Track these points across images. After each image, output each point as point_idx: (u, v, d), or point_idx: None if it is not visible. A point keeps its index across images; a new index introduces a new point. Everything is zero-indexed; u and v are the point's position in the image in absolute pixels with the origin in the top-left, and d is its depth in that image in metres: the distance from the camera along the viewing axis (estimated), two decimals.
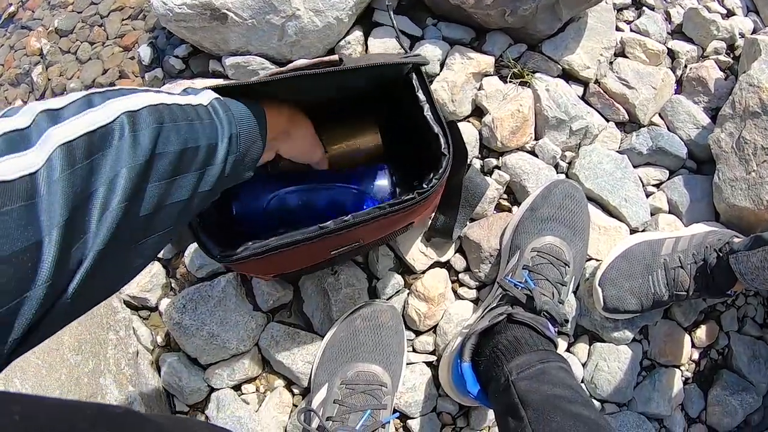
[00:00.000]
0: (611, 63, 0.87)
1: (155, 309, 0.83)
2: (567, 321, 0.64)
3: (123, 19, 1.05)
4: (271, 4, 0.79)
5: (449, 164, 0.52)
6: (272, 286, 0.76)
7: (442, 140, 0.53)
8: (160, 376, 0.79)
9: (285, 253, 0.52)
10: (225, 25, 0.83)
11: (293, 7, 0.79)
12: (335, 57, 0.48)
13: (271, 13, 0.80)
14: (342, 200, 0.61)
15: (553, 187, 0.72)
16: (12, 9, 1.22)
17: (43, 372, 0.69)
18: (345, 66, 0.46)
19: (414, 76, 0.54)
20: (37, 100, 1.07)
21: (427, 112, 0.53)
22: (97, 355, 0.75)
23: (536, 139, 0.80)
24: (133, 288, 0.82)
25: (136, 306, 0.84)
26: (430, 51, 0.81)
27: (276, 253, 0.51)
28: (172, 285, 0.84)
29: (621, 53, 0.90)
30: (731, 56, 0.96)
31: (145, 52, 0.96)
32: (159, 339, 0.82)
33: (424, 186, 0.51)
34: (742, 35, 0.98)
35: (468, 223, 0.76)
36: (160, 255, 0.85)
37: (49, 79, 1.07)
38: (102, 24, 1.06)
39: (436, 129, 0.53)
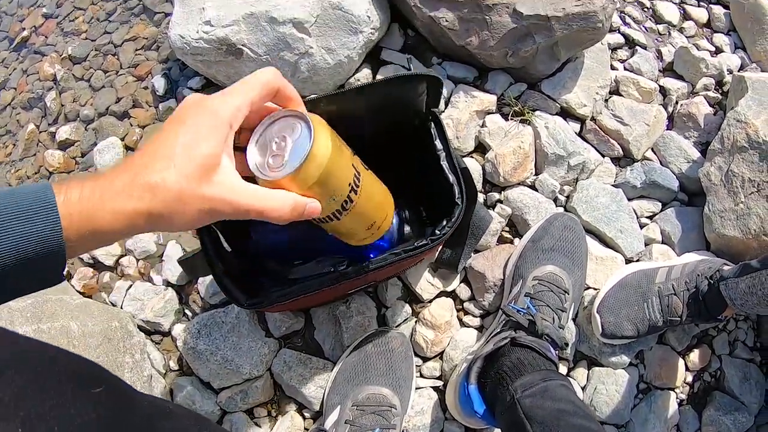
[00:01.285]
0: (606, 101, 0.98)
1: (168, 334, 0.91)
2: (567, 344, 0.73)
3: (136, 49, 1.14)
4: (285, 41, 0.89)
5: (462, 213, 0.61)
6: (284, 315, 0.85)
7: (456, 189, 0.61)
8: (173, 399, 0.86)
9: (304, 298, 0.61)
10: (240, 60, 0.92)
11: (306, 45, 0.89)
12: None
13: (285, 50, 0.90)
14: None
15: (553, 219, 0.82)
16: (25, 34, 1.32)
17: None
18: (362, 84, 0.55)
19: (432, 125, 0.63)
20: (50, 124, 1.16)
21: (444, 161, 0.62)
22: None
23: (536, 174, 0.90)
24: (147, 313, 0.91)
25: (149, 330, 0.92)
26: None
27: (296, 299, 0.60)
28: (185, 311, 0.92)
29: (615, 91, 1.01)
30: (720, 92, 1.07)
31: (159, 83, 1.05)
32: (172, 363, 0.90)
33: (437, 232, 0.60)
34: (730, 71, 1.09)
35: (472, 254, 0.85)
36: (173, 281, 0.93)
37: (62, 105, 1.16)
38: (116, 53, 1.16)
39: (452, 178, 0.61)
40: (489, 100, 0.91)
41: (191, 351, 0.84)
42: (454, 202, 0.62)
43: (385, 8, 0.95)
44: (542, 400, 0.61)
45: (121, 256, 0.98)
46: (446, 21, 0.90)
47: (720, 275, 0.77)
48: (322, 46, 0.89)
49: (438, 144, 0.63)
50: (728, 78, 1.08)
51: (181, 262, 0.83)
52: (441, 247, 0.80)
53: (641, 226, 0.92)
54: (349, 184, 0.46)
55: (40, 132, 1.16)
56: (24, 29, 1.34)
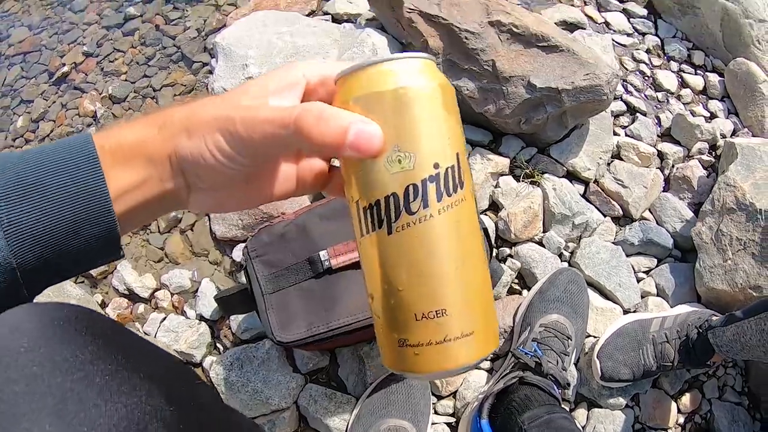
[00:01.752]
0: (609, 165, 1.11)
1: (199, 365, 1.02)
2: (569, 385, 0.85)
3: (175, 95, 1.27)
4: None
5: None
6: (312, 353, 0.96)
7: None
8: None
9: (336, 340, 0.73)
10: None
11: None
12: None
13: None
14: None
15: (559, 273, 0.94)
16: (65, 69, 1.44)
17: None
18: None
19: None
20: None
21: None
22: None
23: (544, 231, 1.02)
24: (181, 344, 1.02)
25: (183, 361, 1.02)
26: None
27: (330, 341, 0.72)
28: (217, 345, 1.03)
29: (617, 156, 1.14)
30: (713, 155, 1.20)
31: None
32: None
33: None
34: (724, 136, 1.22)
35: None
36: (207, 316, 1.04)
37: None
38: (154, 97, 1.29)
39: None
40: (503, 162, 1.04)
41: (224, 381, 0.95)
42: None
43: None
44: (547, 430, 0.73)
45: (156, 289, 1.10)
46: (467, 90, 1.03)
47: (708, 325, 0.89)
48: None
49: None
50: (721, 142, 1.21)
51: (217, 299, 0.95)
52: None
53: (638, 280, 1.04)
54: (437, 165, 0.29)
55: None
56: (64, 65, 1.46)
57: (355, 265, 0.75)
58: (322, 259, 0.74)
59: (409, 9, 1.05)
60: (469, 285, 0.30)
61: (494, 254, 1.01)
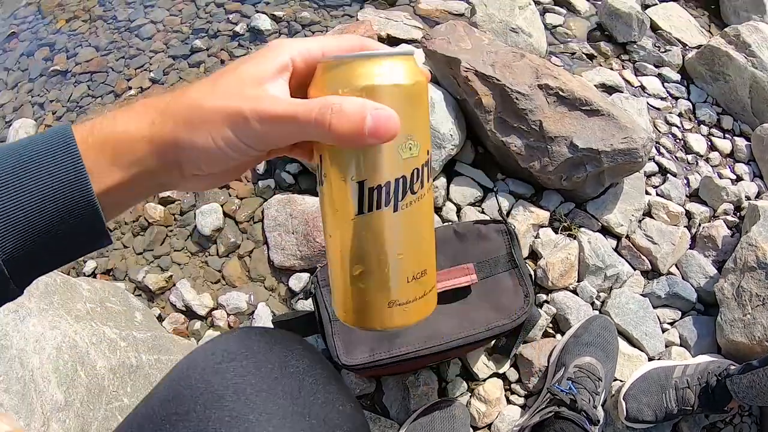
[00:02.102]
0: (640, 222, 1.23)
1: None
2: (599, 421, 0.95)
3: None
4: None
5: (529, 310, 0.85)
6: (360, 379, 1.06)
7: (523, 300, 0.85)
8: None
9: (391, 368, 0.83)
10: None
11: None
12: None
13: None
14: None
15: (593, 320, 1.05)
16: (132, 93, 1.58)
17: None
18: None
19: (513, 247, 0.88)
20: None
21: (516, 272, 0.86)
22: None
23: (578, 281, 1.13)
24: None
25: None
26: (500, 202, 1.16)
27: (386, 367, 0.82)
28: None
29: (648, 213, 1.25)
30: (737, 216, 1.31)
31: (260, 163, 1.30)
32: None
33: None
34: (748, 198, 1.34)
35: (522, 344, 1.07)
36: None
37: None
38: None
39: (524, 292, 0.85)
40: (543, 215, 1.16)
41: None
42: (523, 302, 0.86)
43: (463, 128, 1.21)
44: None
45: (214, 309, 1.21)
46: (515, 147, 1.16)
47: (727, 373, 1.00)
48: None
49: (514, 252, 0.88)
50: (746, 204, 1.32)
51: (276, 323, 1.06)
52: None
53: (663, 330, 1.15)
54: (428, 152, 0.34)
55: None
56: (131, 88, 1.60)
57: None
58: None
59: (466, 68, 1.18)
60: (434, 248, 0.38)
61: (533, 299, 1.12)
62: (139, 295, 1.26)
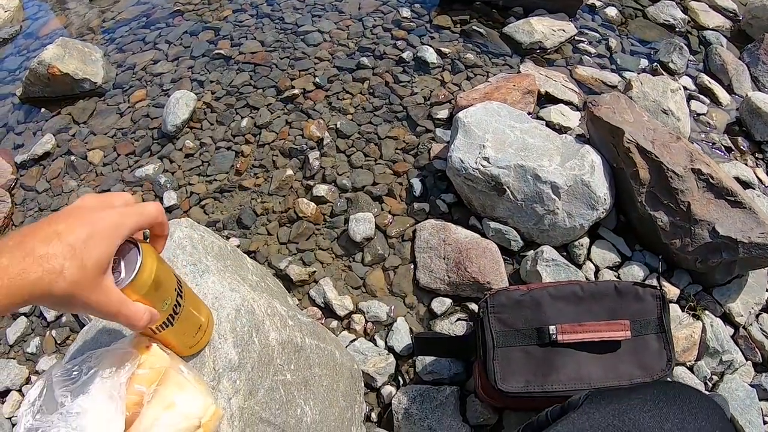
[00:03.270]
0: (758, 316, 1.37)
1: (376, 390, 1.25)
2: None
3: (396, 148, 1.59)
4: (541, 197, 1.32)
5: (670, 373, 1.00)
6: (486, 408, 1.20)
7: (666, 364, 1.01)
8: None
9: (540, 400, 0.99)
10: (500, 198, 1.35)
11: (556, 205, 1.31)
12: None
13: (538, 203, 1.32)
14: None
15: (711, 397, 1.20)
16: (295, 92, 1.79)
17: (326, 403, 1.05)
18: None
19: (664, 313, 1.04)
20: (305, 177, 1.60)
21: (663, 336, 1.03)
22: (352, 407, 1.19)
23: (697, 359, 1.28)
24: (368, 367, 1.24)
25: (365, 382, 1.26)
26: (635, 271, 1.32)
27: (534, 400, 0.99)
28: (397, 377, 1.26)
29: (766, 309, 1.39)
30: None
31: (417, 185, 1.49)
32: (373, 415, 1.23)
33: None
34: None
35: None
36: (397, 350, 1.28)
37: (323, 167, 1.60)
38: (378, 144, 1.61)
39: (667, 356, 1.02)
40: (673, 291, 1.31)
41: (404, 411, 1.18)
42: (665, 365, 1.02)
43: (613, 194, 1.38)
44: None
45: (353, 312, 1.35)
46: (661, 222, 1.32)
47: None
48: (566, 210, 1.32)
49: (664, 318, 1.04)
50: None
51: (418, 338, 1.23)
52: None
53: (764, 422, 1.28)
54: (175, 289, 0.59)
55: (295, 180, 1.61)
56: (294, 87, 1.82)
57: (576, 345, 1.03)
58: (551, 332, 1.02)
59: (629, 140, 1.35)
60: (201, 314, 0.69)
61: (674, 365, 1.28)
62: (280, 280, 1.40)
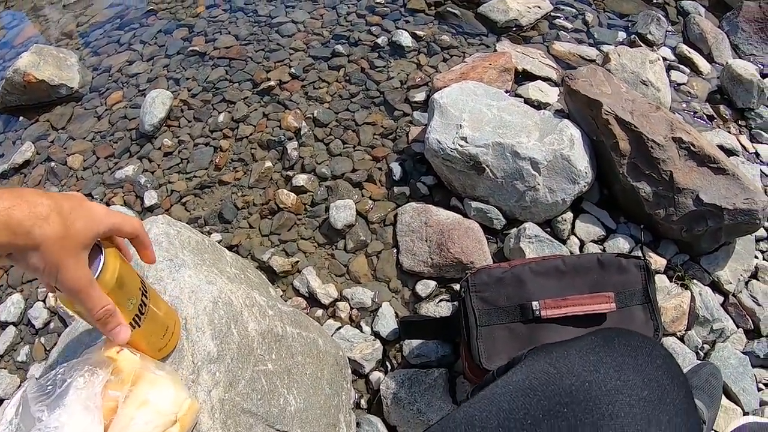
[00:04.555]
0: (747, 283, 1.33)
1: (364, 377, 1.22)
2: None
3: (375, 134, 1.56)
4: (521, 173, 1.28)
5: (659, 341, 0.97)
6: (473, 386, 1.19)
7: (653, 333, 0.98)
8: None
9: None
10: (479, 177, 1.32)
11: (536, 181, 1.28)
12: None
13: (518, 180, 1.29)
14: None
15: (703, 365, 1.16)
16: (271, 83, 1.75)
17: (311, 391, 1.03)
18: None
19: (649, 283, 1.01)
20: (285, 168, 1.56)
21: (649, 306, 0.99)
22: (339, 394, 1.16)
23: (687, 329, 1.25)
24: (355, 353, 1.22)
25: (351, 369, 1.24)
26: (621, 244, 1.29)
27: None
28: (385, 362, 1.24)
29: (755, 276, 1.36)
30: None
31: (396, 169, 1.46)
32: (362, 402, 1.20)
33: None
34: None
35: None
36: (383, 335, 1.25)
37: (301, 157, 1.57)
38: (356, 130, 1.58)
39: (654, 326, 0.98)
40: (660, 261, 1.28)
41: (392, 395, 1.15)
42: (653, 335, 0.98)
43: (594, 168, 1.34)
44: None
45: (337, 300, 1.32)
46: (644, 192, 1.29)
47: None
48: (547, 185, 1.28)
49: (649, 288, 1.00)
50: None
51: (403, 322, 1.20)
52: None
53: (758, 389, 1.25)
54: (140, 289, 0.61)
55: (275, 172, 1.58)
56: (270, 79, 1.78)
57: (560, 320, 0.99)
58: (534, 308, 0.98)
59: (607, 111, 1.32)
60: (168, 317, 0.69)
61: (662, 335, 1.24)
62: (261, 271, 1.38)
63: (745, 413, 1.22)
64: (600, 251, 1.31)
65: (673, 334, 1.24)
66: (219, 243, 1.42)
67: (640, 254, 1.05)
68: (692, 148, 1.30)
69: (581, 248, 1.32)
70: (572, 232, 1.33)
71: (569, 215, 1.34)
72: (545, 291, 1.02)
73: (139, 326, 0.61)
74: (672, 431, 0.50)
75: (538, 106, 1.55)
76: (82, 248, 0.50)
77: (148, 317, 0.62)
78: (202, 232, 1.41)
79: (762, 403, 1.24)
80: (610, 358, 0.56)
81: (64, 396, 0.56)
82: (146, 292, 0.62)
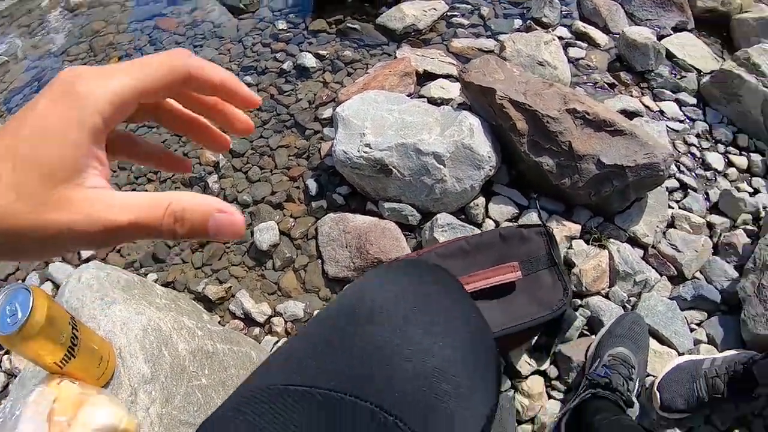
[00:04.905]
0: (664, 232, 1.38)
1: None
2: (633, 403, 1.07)
3: (289, 155, 1.59)
4: (426, 168, 1.32)
5: (569, 303, 1.00)
6: None
7: (562, 293, 1.01)
8: None
9: None
10: (388, 178, 1.35)
11: (442, 173, 1.32)
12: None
13: (425, 175, 1.32)
14: None
15: (624, 316, 1.20)
16: None
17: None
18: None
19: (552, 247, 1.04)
20: None
21: (555, 269, 1.02)
22: None
23: (610, 286, 1.28)
24: None
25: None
26: (534, 218, 1.33)
27: None
28: None
29: (671, 225, 1.41)
30: (756, 225, 1.45)
31: (312, 185, 1.48)
32: None
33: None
34: (765, 208, 1.48)
35: (560, 344, 1.22)
36: None
37: (222, 189, 1.59)
38: (271, 155, 1.60)
39: (562, 286, 1.01)
40: (575, 228, 1.32)
41: None
42: (562, 294, 1.01)
43: (498, 151, 1.38)
44: (616, 426, 0.96)
45: (272, 316, 1.36)
46: (547, 165, 1.33)
47: (753, 360, 1.12)
48: (454, 176, 1.32)
49: (553, 252, 1.03)
50: (763, 214, 1.46)
51: None
52: (539, 334, 1.18)
53: (691, 330, 1.28)
54: (69, 323, 0.65)
55: None
56: None
57: (472, 296, 1.02)
58: None
59: (500, 96, 1.37)
60: (101, 347, 0.75)
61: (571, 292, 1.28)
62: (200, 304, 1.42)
63: (681, 354, 1.25)
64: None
65: (597, 293, 1.28)
66: (156, 282, 1.46)
67: (539, 221, 1.08)
68: (587, 116, 1.35)
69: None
70: (486, 215, 1.37)
71: (481, 200, 1.37)
72: (452, 271, 1.04)
73: (75, 357, 0.66)
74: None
75: (441, 102, 1.59)
76: (63, 180, 0.28)
77: (82, 348, 0.67)
78: (139, 274, 1.44)
79: (696, 342, 1.28)
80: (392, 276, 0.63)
81: (15, 427, 0.61)
82: (75, 326, 0.67)
